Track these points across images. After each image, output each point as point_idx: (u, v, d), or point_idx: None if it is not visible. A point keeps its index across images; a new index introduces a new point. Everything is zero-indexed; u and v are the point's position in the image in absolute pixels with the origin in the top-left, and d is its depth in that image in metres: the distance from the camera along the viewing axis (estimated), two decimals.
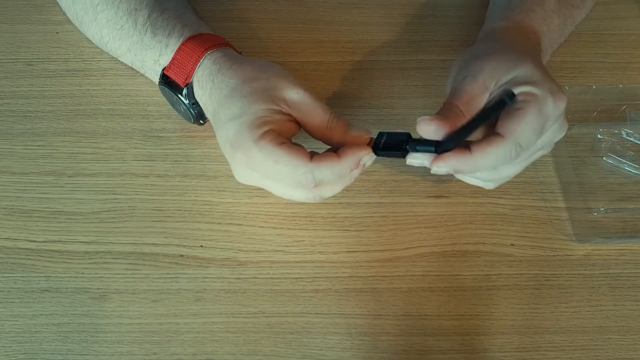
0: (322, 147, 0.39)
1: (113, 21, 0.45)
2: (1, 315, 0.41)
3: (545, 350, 0.41)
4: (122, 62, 0.49)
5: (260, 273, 0.43)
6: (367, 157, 0.37)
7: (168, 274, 0.42)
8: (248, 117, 0.37)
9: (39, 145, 0.47)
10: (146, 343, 0.40)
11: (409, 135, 0.38)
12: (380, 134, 0.39)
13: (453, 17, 0.55)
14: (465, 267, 0.43)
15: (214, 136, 0.41)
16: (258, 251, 0.43)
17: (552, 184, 0.47)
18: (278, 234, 0.44)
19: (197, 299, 0.42)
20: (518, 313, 0.42)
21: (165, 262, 0.43)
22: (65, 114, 0.49)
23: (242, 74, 0.39)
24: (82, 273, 0.42)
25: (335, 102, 0.50)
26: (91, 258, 0.43)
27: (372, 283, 0.43)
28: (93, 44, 0.51)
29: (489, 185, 0.41)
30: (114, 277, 0.42)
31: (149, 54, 0.44)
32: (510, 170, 0.39)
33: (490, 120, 0.36)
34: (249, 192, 0.45)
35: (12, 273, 0.42)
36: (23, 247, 0.43)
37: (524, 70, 0.38)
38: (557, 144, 0.40)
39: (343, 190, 0.39)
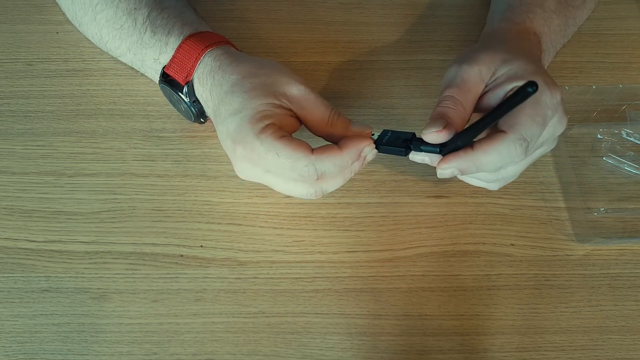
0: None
1: (112, 21, 0.45)
2: (1, 315, 0.41)
3: (545, 350, 0.41)
4: (122, 62, 0.49)
5: (260, 273, 0.43)
6: (369, 149, 0.37)
7: (168, 274, 0.42)
8: (249, 112, 0.37)
9: (39, 145, 0.47)
10: (146, 343, 0.40)
11: (413, 135, 0.38)
12: (385, 131, 0.39)
13: (453, 17, 0.55)
14: (465, 267, 0.43)
15: (214, 136, 0.41)
16: (258, 251, 0.43)
17: (552, 184, 0.47)
18: (278, 234, 0.44)
19: (197, 299, 0.42)
20: (518, 313, 0.42)
21: (165, 262, 0.43)
22: (65, 114, 0.49)
23: (243, 70, 0.39)
24: (82, 273, 0.42)
25: (335, 102, 0.49)
26: (91, 258, 0.43)
27: (372, 283, 0.43)
28: (93, 44, 0.51)
29: (493, 186, 0.41)
30: (114, 277, 0.42)
31: (149, 53, 0.44)
32: (513, 170, 0.39)
33: (496, 121, 0.36)
34: (249, 192, 0.46)
35: (12, 273, 0.42)
36: (23, 247, 0.43)
37: (518, 64, 0.38)
38: (557, 144, 0.41)
39: (343, 190, 0.39)
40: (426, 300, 0.42)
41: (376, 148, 0.38)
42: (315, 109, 0.38)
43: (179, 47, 0.42)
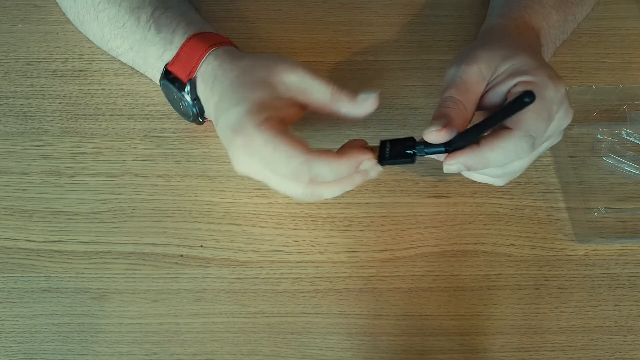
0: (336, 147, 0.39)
1: (115, 19, 0.45)
2: (1, 315, 0.41)
3: (545, 350, 0.41)
4: (122, 62, 0.49)
5: (260, 273, 0.43)
6: (368, 163, 0.37)
7: (168, 274, 0.42)
8: (249, 104, 0.37)
9: (39, 145, 0.47)
10: (146, 343, 0.40)
11: (412, 139, 0.38)
12: (383, 143, 0.38)
13: (453, 17, 0.55)
14: (465, 267, 0.43)
15: (214, 136, 0.41)
16: (258, 251, 0.43)
17: (552, 184, 0.47)
18: (278, 234, 0.44)
19: (197, 299, 0.42)
20: (518, 313, 0.42)
21: (165, 262, 0.43)
22: (65, 114, 0.49)
23: (242, 66, 0.40)
24: (82, 273, 0.42)
25: None
26: (91, 258, 0.43)
27: (372, 283, 0.43)
28: (93, 44, 0.51)
29: (499, 182, 0.41)
30: (114, 277, 0.42)
31: (152, 51, 0.44)
32: (519, 165, 0.39)
33: (505, 120, 0.35)
34: (249, 192, 0.46)
35: (12, 273, 0.42)
36: (23, 247, 0.43)
37: (519, 60, 0.38)
38: (557, 143, 0.40)
39: None
40: (426, 300, 0.42)
41: (380, 164, 0.37)
42: (316, 89, 0.38)
43: (184, 44, 0.42)
